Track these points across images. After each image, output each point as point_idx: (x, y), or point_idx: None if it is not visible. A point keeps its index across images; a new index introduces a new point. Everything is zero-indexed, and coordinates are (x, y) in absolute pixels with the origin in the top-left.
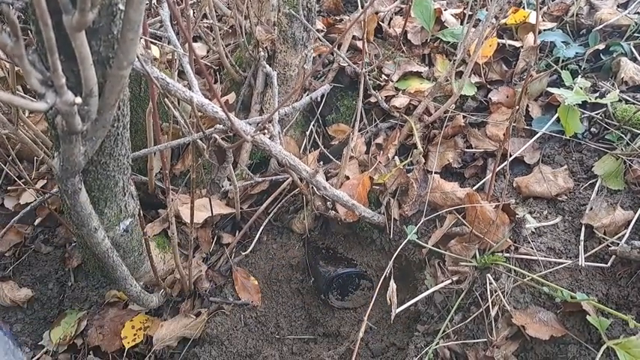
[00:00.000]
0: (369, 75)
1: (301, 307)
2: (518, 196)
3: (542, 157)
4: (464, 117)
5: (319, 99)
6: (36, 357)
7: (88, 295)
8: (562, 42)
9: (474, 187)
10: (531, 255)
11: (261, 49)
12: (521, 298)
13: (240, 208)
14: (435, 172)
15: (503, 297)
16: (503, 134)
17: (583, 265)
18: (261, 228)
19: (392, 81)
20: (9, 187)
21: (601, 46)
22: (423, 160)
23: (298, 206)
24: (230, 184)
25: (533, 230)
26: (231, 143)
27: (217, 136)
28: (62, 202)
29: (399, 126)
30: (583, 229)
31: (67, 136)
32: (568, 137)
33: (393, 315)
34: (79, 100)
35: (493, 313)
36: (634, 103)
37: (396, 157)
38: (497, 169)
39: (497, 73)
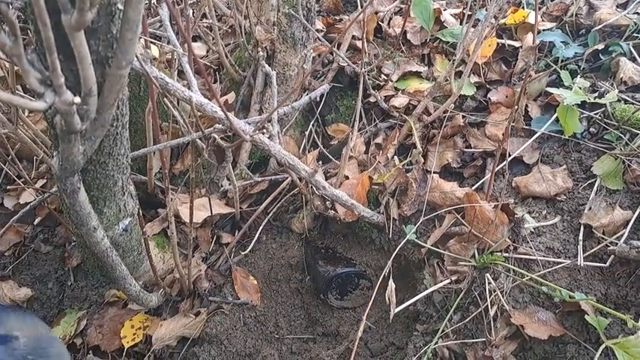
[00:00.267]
0: (368, 75)
1: (300, 306)
2: (517, 195)
3: (542, 156)
4: (463, 117)
5: (318, 99)
6: None
7: (88, 295)
8: (561, 42)
9: (473, 187)
10: (530, 255)
11: (260, 48)
12: (520, 297)
13: (240, 208)
14: (434, 172)
15: (502, 297)
16: (503, 134)
17: (582, 264)
18: (261, 227)
19: (391, 81)
20: (8, 187)
21: (600, 46)
22: (422, 160)
23: (297, 206)
24: (229, 184)
25: (532, 230)
26: (231, 143)
27: (216, 136)
28: (61, 201)
29: (398, 126)
30: (582, 228)
31: (66, 135)
32: (567, 137)
33: (391, 314)
34: (77, 99)
35: (492, 312)
36: (633, 103)
37: (396, 157)
38: (497, 169)
39: (497, 73)
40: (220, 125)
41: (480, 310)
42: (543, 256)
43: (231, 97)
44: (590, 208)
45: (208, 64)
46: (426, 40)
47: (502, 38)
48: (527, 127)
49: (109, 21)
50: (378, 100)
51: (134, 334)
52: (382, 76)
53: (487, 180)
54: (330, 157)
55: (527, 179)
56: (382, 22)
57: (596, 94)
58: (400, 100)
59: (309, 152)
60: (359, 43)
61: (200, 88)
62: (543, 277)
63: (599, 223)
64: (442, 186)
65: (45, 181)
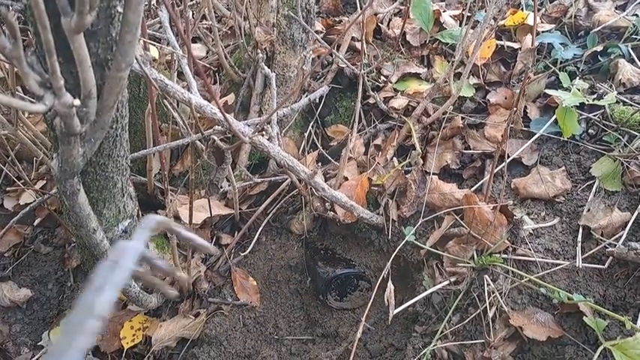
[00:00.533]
0: (367, 76)
1: (300, 307)
2: (516, 197)
3: (540, 158)
4: (462, 118)
5: (318, 100)
6: (35, 357)
7: None
8: (560, 43)
9: (472, 188)
10: (529, 256)
11: (260, 50)
12: (518, 299)
13: (239, 209)
14: (434, 173)
15: (501, 298)
16: (502, 135)
17: (580, 266)
18: (260, 229)
19: (391, 82)
20: (8, 188)
21: (599, 48)
22: (422, 161)
23: (297, 207)
24: (229, 185)
25: (531, 231)
26: (230, 144)
27: (216, 138)
28: (61, 202)
29: (397, 127)
30: (580, 230)
31: (65, 137)
32: (566, 139)
33: (390, 316)
34: (77, 102)
35: (491, 314)
36: (631, 105)
37: (395, 158)
38: (495, 171)
39: (496, 75)
40: (220, 127)
41: (478, 311)
42: (542, 258)
43: (230, 98)
44: (588, 210)
45: (208, 65)
46: (426, 41)
47: (501, 40)
48: (526, 129)
49: (109, 24)
50: (378, 102)
51: (134, 335)
52: (381, 77)
53: (486, 181)
54: (330, 158)
55: (526, 181)
56: (381, 24)
57: (595, 96)
58: (399, 102)
59: (308, 153)
60: (358, 45)
61: (200, 90)
62: (542, 278)
63: (597, 224)
64: (441, 187)
65: (45, 182)
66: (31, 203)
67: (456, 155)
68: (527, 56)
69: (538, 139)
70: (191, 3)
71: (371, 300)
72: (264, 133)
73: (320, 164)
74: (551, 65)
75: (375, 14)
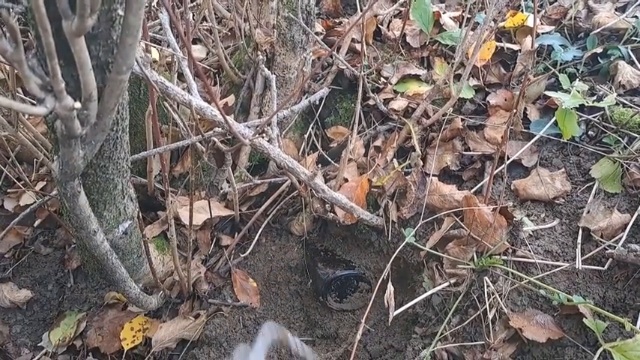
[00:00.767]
0: (367, 78)
1: (300, 308)
2: (515, 198)
3: (540, 160)
4: (462, 120)
5: (318, 102)
6: (35, 358)
7: (88, 297)
8: (560, 45)
9: (472, 190)
10: (529, 258)
11: (260, 51)
12: (518, 300)
13: (239, 210)
14: (433, 175)
15: (501, 300)
16: (501, 137)
17: (580, 268)
18: (260, 230)
19: (390, 84)
20: (9, 189)
21: (599, 50)
22: (422, 163)
23: (297, 208)
24: (229, 186)
25: (531, 233)
26: (230, 146)
27: (216, 139)
28: (61, 204)
29: (397, 129)
30: (580, 232)
31: (66, 140)
32: (565, 140)
33: (390, 317)
34: (78, 104)
35: (490, 315)
36: (631, 107)
37: (395, 160)
38: (495, 172)
39: (496, 76)
40: (220, 129)
41: (478, 313)
42: (542, 259)
43: (230, 99)
44: (588, 212)
45: (208, 66)
46: (425, 43)
47: (501, 41)
48: (525, 131)
49: (110, 27)
50: (378, 103)
51: (134, 336)
52: (381, 79)
53: (486, 183)
54: (330, 159)
55: (526, 182)
56: (382, 25)
57: (595, 98)
58: (399, 103)
59: (308, 155)
60: (358, 46)
61: (200, 91)
62: (542, 280)
63: (597, 226)
64: (441, 189)
65: (45, 183)
66: (31, 204)
67: (456, 157)
68: (527, 58)
69: (538, 140)
70: (191, 5)
71: (371, 301)
72: (264, 135)
73: (320, 166)
74: (551, 67)
75: (375, 16)
